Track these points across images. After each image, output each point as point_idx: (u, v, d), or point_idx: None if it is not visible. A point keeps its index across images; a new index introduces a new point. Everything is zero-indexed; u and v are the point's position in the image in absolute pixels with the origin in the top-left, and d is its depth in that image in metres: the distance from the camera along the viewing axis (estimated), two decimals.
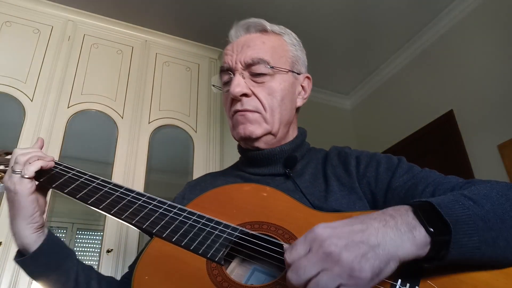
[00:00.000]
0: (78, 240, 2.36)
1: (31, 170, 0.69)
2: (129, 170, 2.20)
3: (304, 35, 0.89)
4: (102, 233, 2.06)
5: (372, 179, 0.73)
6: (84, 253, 2.34)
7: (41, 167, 0.71)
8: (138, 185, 2.17)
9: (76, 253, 0.77)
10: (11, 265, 1.75)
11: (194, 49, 2.77)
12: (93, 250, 2.29)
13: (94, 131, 2.41)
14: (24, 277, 1.76)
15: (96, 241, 2.28)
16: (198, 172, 2.37)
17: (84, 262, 0.78)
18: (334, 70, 3.37)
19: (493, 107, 2.35)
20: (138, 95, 2.44)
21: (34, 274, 0.71)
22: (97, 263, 1.99)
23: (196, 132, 2.50)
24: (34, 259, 0.70)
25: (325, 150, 0.88)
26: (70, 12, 2.48)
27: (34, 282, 1.80)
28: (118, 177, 2.15)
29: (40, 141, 0.81)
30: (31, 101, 2.15)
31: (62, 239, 0.76)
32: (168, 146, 2.52)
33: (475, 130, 2.44)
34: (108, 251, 1.98)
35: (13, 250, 1.77)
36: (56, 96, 2.22)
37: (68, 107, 2.24)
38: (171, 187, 2.52)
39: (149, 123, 2.40)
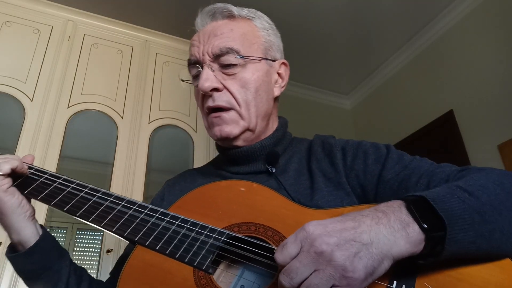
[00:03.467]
0: (78, 240, 2.36)
1: (6, 167, 0.66)
2: (129, 170, 2.20)
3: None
4: (102, 233, 2.06)
5: (361, 172, 0.68)
6: (84, 253, 2.34)
7: (17, 166, 0.67)
8: (138, 185, 2.17)
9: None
10: (11, 265, 1.75)
11: None
12: (93, 250, 2.29)
13: (94, 131, 2.41)
14: None
15: (96, 241, 2.28)
16: None
17: (76, 263, 0.75)
18: (334, 70, 3.37)
19: (493, 107, 2.35)
20: (138, 95, 2.44)
21: (25, 271, 0.68)
22: (97, 263, 1.99)
23: (196, 132, 2.50)
24: (29, 255, 0.66)
25: (308, 140, 0.82)
26: (70, 12, 2.48)
27: None
28: (118, 177, 2.15)
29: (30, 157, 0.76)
30: (31, 101, 2.15)
31: (57, 239, 0.73)
32: (168, 146, 2.52)
33: (475, 130, 2.44)
34: (108, 251, 1.98)
35: None
36: (56, 96, 2.22)
37: (68, 107, 2.24)
38: None
39: (149, 123, 2.40)
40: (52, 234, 0.73)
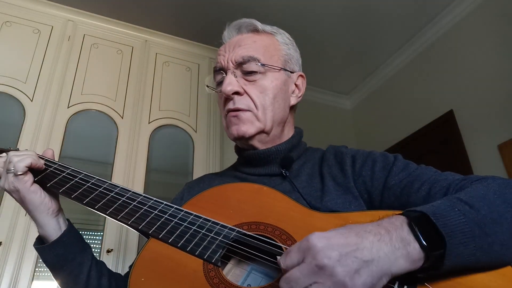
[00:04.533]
0: None
1: (21, 165, 0.71)
2: (129, 170, 2.20)
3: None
4: (102, 233, 2.06)
5: (368, 178, 0.72)
6: None
7: (31, 163, 0.72)
8: (138, 185, 2.17)
9: None
10: (11, 265, 1.75)
11: (194, 49, 2.77)
12: (93, 250, 2.28)
13: (94, 131, 2.41)
14: (24, 277, 1.76)
15: (96, 241, 2.28)
16: (198, 172, 2.36)
17: (97, 258, 0.80)
18: (334, 70, 3.37)
19: (493, 107, 2.35)
20: (138, 95, 2.44)
21: (49, 262, 0.73)
22: None
23: (196, 132, 2.50)
24: (52, 248, 0.73)
25: (322, 149, 0.87)
26: (70, 12, 2.48)
27: (34, 282, 1.80)
28: (118, 177, 2.15)
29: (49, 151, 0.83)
30: (31, 101, 2.15)
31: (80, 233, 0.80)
32: (168, 146, 2.51)
33: (475, 130, 2.44)
34: (108, 251, 1.98)
35: (13, 250, 1.78)
36: (56, 96, 2.21)
37: (68, 107, 2.24)
38: (171, 187, 2.52)
39: (149, 123, 2.40)
40: None
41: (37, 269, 1.82)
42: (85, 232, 2.40)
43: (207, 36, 2.81)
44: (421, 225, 0.48)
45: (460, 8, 2.65)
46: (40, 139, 2.06)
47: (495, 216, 0.51)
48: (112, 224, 2.04)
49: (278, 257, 0.50)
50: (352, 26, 2.89)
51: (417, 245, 0.47)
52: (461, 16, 2.67)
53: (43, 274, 1.97)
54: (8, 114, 2.18)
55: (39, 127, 2.09)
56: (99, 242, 2.12)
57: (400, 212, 0.53)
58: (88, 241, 2.40)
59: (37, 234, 0.78)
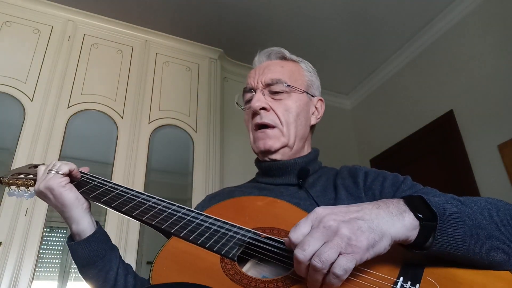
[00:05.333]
0: None
1: (65, 167, 0.79)
2: (129, 170, 2.20)
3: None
4: None
5: (377, 192, 0.79)
6: None
7: (74, 169, 0.81)
8: (138, 185, 2.17)
9: None
10: (11, 265, 1.75)
11: (194, 49, 2.77)
12: None
13: (94, 131, 2.41)
14: (24, 277, 1.76)
15: None
16: (198, 172, 2.36)
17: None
18: (334, 70, 3.37)
19: (493, 107, 2.35)
20: (138, 95, 2.44)
21: (82, 258, 0.77)
22: None
23: (196, 132, 2.50)
24: (87, 243, 0.78)
25: (336, 169, 0.94)
26: (70, 12, 2.48)
27: (34, 282, 1.80)
28: (118, 177, 2.15)
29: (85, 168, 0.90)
30: (31, 101, 2.15)
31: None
32: (168, 146, 2.52)
33: (475, 130, 2.44)
34: None
35: (13, 250, 1.78)
36: (56, 96, 2.22)
37: (68, 107, 2.24)
38: (171, 187, 2.52)
39: (149, 123, 2.40)
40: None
41: (37, 269, 1.82)
42: None
43: (207, 36, 2.81)
44: (416, 203, 0.55)
45: (460, 8, 2.65)
46: (40, 139, 2.06)
47: (485, 215, 0.56)
48: (111, 224, 2.04)
49: (286, 238, 0.56)
50: (352, 26, 2.89)
51: (411, 214, 0.53)
52: (461, 16, 2.67)
53: (43, 274, 1.98)
54: (8, 114, 2.18)
55: (39, 127, 2.09)
56: None
57: None
58: None
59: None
